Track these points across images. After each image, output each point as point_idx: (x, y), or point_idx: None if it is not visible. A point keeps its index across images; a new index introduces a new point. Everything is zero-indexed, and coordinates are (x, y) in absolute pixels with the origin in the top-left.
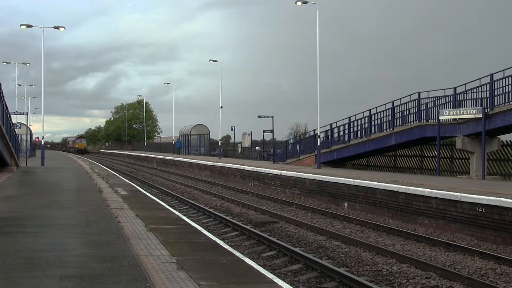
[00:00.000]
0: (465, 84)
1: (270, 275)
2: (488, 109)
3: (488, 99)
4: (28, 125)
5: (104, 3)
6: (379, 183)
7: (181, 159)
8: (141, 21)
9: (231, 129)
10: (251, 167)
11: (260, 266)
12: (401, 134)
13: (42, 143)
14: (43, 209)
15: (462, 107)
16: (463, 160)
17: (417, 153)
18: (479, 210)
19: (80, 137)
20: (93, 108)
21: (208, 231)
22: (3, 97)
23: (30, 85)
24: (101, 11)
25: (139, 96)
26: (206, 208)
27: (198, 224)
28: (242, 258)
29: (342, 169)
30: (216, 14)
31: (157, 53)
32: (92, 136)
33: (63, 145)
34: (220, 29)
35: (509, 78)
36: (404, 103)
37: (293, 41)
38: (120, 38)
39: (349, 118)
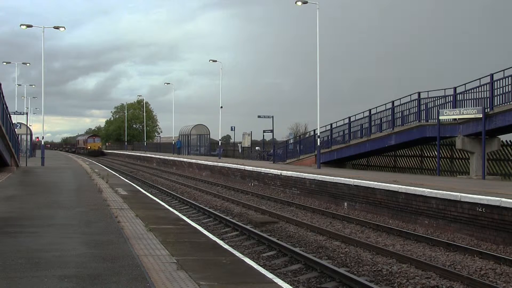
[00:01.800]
0: (465, 84)
1: (270, 275)
2: (488, 109)
3: (488, 99)
4: (28, 125)
5: (105, 3)
6: (379, 183)
7: (181, 159)
8: (142, 21)
9: (231, 129)
10: (251, 167)
11: (260, 266)
12: (401, 134)
13: (42, 143)
14: (43, 209)
15: (462, 107)
16: (463, 160)
17: (417, 153)
18: (479, 210)
19: (93, 135)
20: (93, 108)
21: (208, 231)
22: (3, 97)
23: (30, 85)
24: (102, 11)
25: (139, 96)
26: (206, 208)
27: (198, 224)
28: (242, 258)
29: (342, 169)
30: (217, 14)
31: (158, 53)
32: None
33: (72, 145)
34: (221, 29)
35: (509, 78)
36: (404, 103)
37: (294, 41)
38: (121, 38)
39: (349, 118)
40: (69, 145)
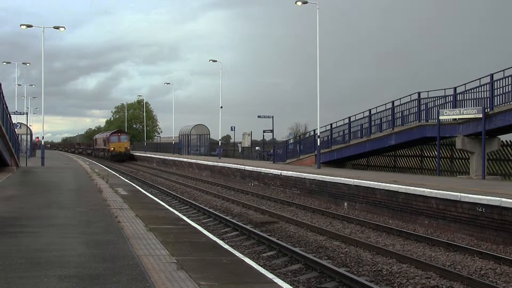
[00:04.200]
0: (465, 84)
1: (270, 275)
2: (488, 109)
3: (488, 99)
4: (28, 125)
5: (106, 3)
6: (379, 183)
7: (181, 159)
8: (143, 21)
9: (231, 129)
10: (251, 167)
11: (260, 266)
12: (401, 134)
13: (42, 143)
14: (43, 209)
15: (462, 107)
16: (463, 160)
17: (417, 153)
18: (479, 210)
19: (117, 131)
20: (93, 108)
21: (208, 231)
22: (3, 97)
23: (30, 85)
24: (103, 11)
25: (139, 96)
26: (206, 208)
27: (198, 224)
28: (242, 258)
29: (342, 169)
30: (218, 15)
31: (159, 53)
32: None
33: (88, 146)
34: (222, 29)
35: (509, 78)
36: (404, 103)
37: (294, 41)
38: (122, 38)
39: (349, 118)
40: (83, 145)
